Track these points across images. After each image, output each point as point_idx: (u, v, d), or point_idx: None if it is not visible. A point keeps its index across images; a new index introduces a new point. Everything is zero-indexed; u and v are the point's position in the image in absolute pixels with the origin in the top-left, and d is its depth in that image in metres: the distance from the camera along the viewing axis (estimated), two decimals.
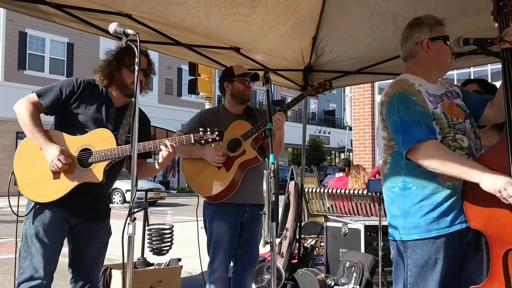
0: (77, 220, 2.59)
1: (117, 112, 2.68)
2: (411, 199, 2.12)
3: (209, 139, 2.51)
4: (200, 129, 2.52)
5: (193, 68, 10.95)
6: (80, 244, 2.64)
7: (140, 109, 2.68)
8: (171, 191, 21.77)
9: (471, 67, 7.26)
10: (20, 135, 20.32)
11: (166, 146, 2.51)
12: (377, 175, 7.88)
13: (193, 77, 11.17)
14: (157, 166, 2.69)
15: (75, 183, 2.49)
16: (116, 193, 17.31)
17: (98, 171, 2.51)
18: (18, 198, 2.55)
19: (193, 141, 2.52)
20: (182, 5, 3.51)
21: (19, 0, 2.93)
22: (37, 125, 2.51)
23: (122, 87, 2.64)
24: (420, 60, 2.24)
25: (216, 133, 2.51)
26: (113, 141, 2.52)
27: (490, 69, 8.67)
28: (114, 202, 17.37)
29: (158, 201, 17.26)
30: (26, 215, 2.50)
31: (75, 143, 2.53)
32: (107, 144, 2.51)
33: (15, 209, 2.50)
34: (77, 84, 2.61)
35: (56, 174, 2.48)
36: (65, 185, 2.48)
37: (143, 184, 17.02)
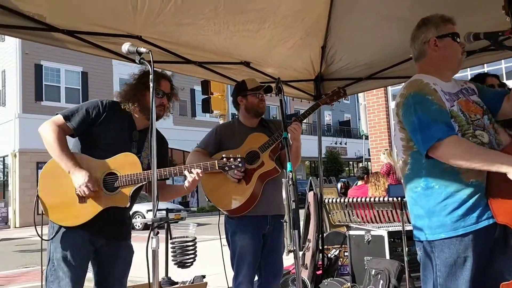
0: (102, 242, 2.59)
1: (139, 135, 2.70)
2: (434, 198, 2.08)
3: (232, 166, 2.59)
4: (223, 155, 2.58)
5: (205, 87, 11.07)
6: (105, 266, 2.65)
7: (159, 132, 2.71)
8: (191, 208, 21.82)
9: (485, 65, 7.20)
10: (40, 165, 20.65)
11: (191, 172, 2.54)
12: (390, 174, 7.83)
13: (206, 96, 11.28)
14: (185, 188, 2.67)
15: (101, 208, 2.49)
16: (136, 216, 17.41)
17: (124, 195, 2.53)
18: (42, 226, 2.53)
19: (217, 168, 2.58)
20: (192, 25, 3.58)
21: (34, 29, 3.02)
22: (64, 149, 2.51)
23: (145, 110, 2.63)
24: (430, 59, 2.24)
25: (238, 159, 2.59)
26: (139, 166, 2.54)
27: (505, 67, 8.58)
28: (135, 225, 17.47)
29: (179, 222, 17.33)
30: (51, 238, 2.51)
31: (100, 167, 2.53)
32: (133, 169, 2.52)
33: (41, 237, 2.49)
34: (102, 106, 2.62)
35: (82, 198, 2.48)
36: (91, 210, 2.49)
37: (163, 205, 17.08)
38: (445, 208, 2.05)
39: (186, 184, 2.60)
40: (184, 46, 3.84)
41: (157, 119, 2.67)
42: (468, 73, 8.40)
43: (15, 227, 21.31)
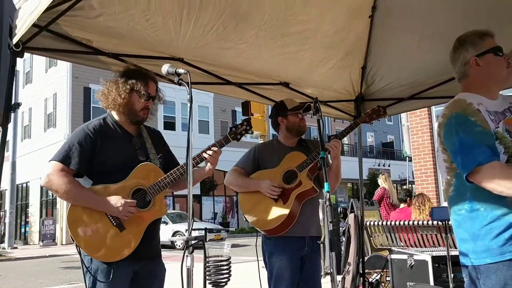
0: (140, 264, 2.50)
1: (138, 140, 2.60)
2: (479, 221, 1.99)
3: (243, 131, 2.68)
4: (230, 126, 2.64)
5: (246, 108, 11.18)
6: (142, 286, 2.55)
7: (150, 127, 2.72)
8: (230, 228, 21.79)
9: None
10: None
11: (209, 154, 2.57)
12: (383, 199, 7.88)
13: (247, 117, 11.37)
14: (205, 171, 2.64)
15: (145, 226, 2.45)
16: (178, 235, 17.63)
17: (160, 205, 2.51)
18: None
19: (230, 139, 2.68)
20: (232, 49, 3.64)
21: (81, 53, 3.16)
22: (82, 189, 2.41)
23: (130, 113, 2.54)
24: (473, 79, 2.15)
25: (245, 123, 2.70)
26: (160, 171, 2.51)
27: None
28: (176, 244, 17.65)
29: (225, 242, 17.36)
30: (109, 281, 2.35)
31: (123, 189, 2.44)
32: (156, 176, 2.49)
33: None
34: (91, 132, 2.47)
35: (121, 226, 2.40)
36: (136, 232, 2.42)
37: (202, 224, 17.24)
38: (490, 231, 1.95)
39: (208, 166, 2.60)
40: (225, 68, 3.91)
41: (140, 123, 2.62)
42: None
43: (62, 244, 22.00)
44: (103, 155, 2.45)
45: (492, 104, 2.10)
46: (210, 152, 2.56)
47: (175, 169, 2.53)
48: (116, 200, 2.37)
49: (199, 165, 2.62)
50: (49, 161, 2.42)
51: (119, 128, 2.57)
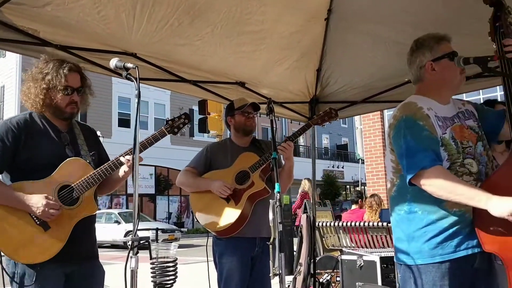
0: (74, 267, 2.33)
1: (68, 136, 2.44)
2: (415, 223, 2.07)
3: (180, 125, 2.57)
4: (167, 117, 2.52)
5: (202, 107, 11.09)
6: None
7: (82, 124, 2.56)
8: (182, 229, 21.46)
9: (480, 90, 7.23)
10: None
11: (127, 159, 2.38)
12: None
13: (203, 116, 11.29)
14: (121, 175, 2.43)
15: (72, 225, 2.28)
16: (130, 235, 17.22)
17: (89, 202, 2.35)
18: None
19: (167, 133, 2.54)
20: (187, 45, 3.58)
21: (27, 43, 3.01)
22: (3, 187, 2.24)
23: (56, 110, 2.37)
24: (428, 82, 2.20)
25: (183, 116, 2.58)
26: (89, 167, 2.35)
27: (500, 95, 8.61)
28: (128, 245, 17.22)
29: (159, 242, 17.07)
30: (31, 284, 2.19)
31: (48, 185, 2.26)
32: (84, 172, 2.33)
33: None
34: (15, 127, 2.29)
35: (45, 225, 2.23)
36: (63, 231, 2.26)
37: (157, 225, 16.94)
38: (424, 234, 2.03)
39: (122, 170, 2.39)
40: (179, 65, 3.84)
41: (70, 118, 2.44)
42: (463, 96, 8.41)
43: None
44: (28, 151, 2.28)
45: (442, 109, 2.16)
46: (128, 157, 2.37)
47: (105, 164, 2.37)
48: (37, 200, 2.19)
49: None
50: None
51: (46, 123, 2.39)
